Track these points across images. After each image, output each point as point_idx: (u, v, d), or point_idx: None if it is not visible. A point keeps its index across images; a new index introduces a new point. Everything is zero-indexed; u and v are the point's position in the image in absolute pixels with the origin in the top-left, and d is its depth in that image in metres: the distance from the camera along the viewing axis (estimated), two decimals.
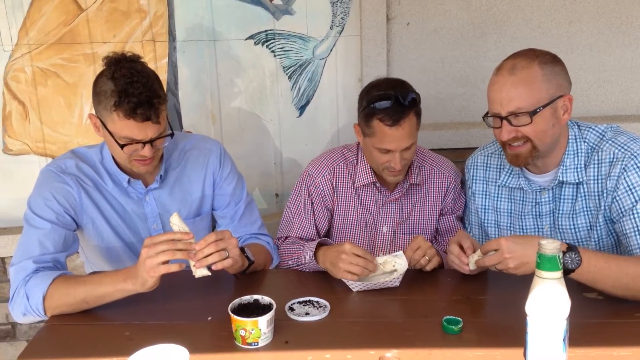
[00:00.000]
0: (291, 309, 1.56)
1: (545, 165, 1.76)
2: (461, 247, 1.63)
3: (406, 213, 2.04)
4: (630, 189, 1.63)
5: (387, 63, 2.63)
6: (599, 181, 1.70)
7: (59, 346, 1.44)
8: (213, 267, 1.53)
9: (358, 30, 2.60)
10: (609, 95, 2.77)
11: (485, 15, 2.65)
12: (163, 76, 2.48)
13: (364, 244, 2.04)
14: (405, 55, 2.69)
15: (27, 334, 2.73)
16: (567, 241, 1.57)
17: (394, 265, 1.72)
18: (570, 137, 1.74)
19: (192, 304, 1.62)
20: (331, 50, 2.64)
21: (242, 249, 1.69)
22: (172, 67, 2.52)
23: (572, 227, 1.78)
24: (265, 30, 2.57)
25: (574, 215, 1.76)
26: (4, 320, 2.71)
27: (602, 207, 1.70)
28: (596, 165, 1.70)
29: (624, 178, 1.64)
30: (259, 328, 1.37)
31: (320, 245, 1.81)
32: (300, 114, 2.71)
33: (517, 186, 1.84)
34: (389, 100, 1.77)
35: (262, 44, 2.59)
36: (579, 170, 1.72)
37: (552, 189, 1.78)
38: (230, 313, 1.40)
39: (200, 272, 1.52)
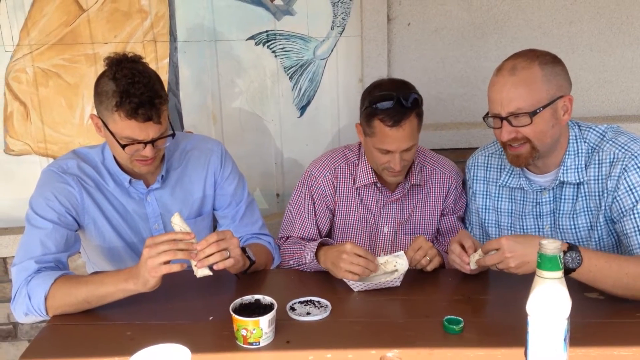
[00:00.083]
0: (292, 308, 1.56)
1: (545, 165, 1.76)
2: (462, 247, 1.64)
3: (407, 213, 2.04)
4: (630, 189, 1.63)
5: (388, 63, 2.63)
6: (600, 181, 1.70)
7: (61, 346, 1.44)
8: (214, 267, 1.53)
9: (359, 31, 2.61)
10: (609, 96, 2.77)
11: (485, 16, 2.66)
12: (164, 76, 2.49)
13: (365, 244, 2.04)
14: (406, 56, 2.70)
15: (29, 334, 2.74)
16: (568, 241, 1.57)
17: (394, 265, 1.73)
18: (570, 137, 1.74)
19: (194, 303, 1.63)
20: (332, 51, 2.64)
21: (243, 249, 1.69)
22: (173, 67, 2.52)
23: (572, 227, 1.78)
24: (266, 31, 2.57)
25: (575, 216, 1.77)
26: (6, 320, 2.72)
27: (603, 207, 1.70)
28: (597, 166, 1.71)
29: (625, 178, 1.64)
30: (260, 328, 1.37)
31: (321, 245, 1.81)
32: (301, 114, 2.72)
33: (518, 186, 1.84)
34: (390, 101, 1.77)
35: (263, 45, 2.59)
36: (579, 170, 1.72)
37: (553, 189, 1.78)
38: (231, 313, 1.40)
39: (201, 272, 1.53)
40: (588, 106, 2.77)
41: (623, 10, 2.65)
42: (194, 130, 2.56)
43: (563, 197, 1.77)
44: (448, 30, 2.67)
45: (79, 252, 1.86)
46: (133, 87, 1.54)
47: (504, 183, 1.87)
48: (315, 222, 2.02)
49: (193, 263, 1.52)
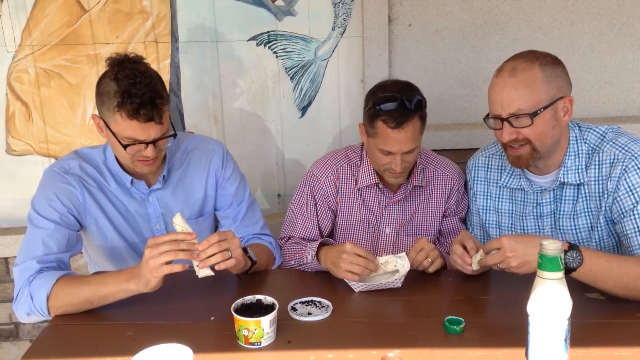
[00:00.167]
0: (294, 309, 1.56)
1: (546, 166, 1.76)
2: (464, 248, 1.64)
3: (409, 214, 2.04)
4: (630, 190, 1.63)
5: (389, 64, 2.63)
6: (600, 182, 1.71)
7: (63, 346, 1.45)
8: (216, 267, 1.53)
9: (360, 31, 2.61)
10: (610, 97, 2.77)
11: (486, 17, 2.66)
12: (166, 77, 2.49)
13: (366, 245, 2.04)
14: (407, 56, 2.70)
15: (30, 334, 2.74)
16: (569, 242, 1.58)
17: (395, 265, 1.73)
18: (571, 138, 1.74)
19: (195, 303, 1.63)
20: (333, 51, 2.65)
21: (244, 249, 1.69)
22: (175, 68, 2.53)
23: (573, 228, 1.78)
24: (268, 32, 2.57)
25: (575, 216, 1.77)
26: (7, 320, 2.72)
27: (603, 208, 1.71)
28: (597, 166, 1.71)
29: (625, 179, 1.64)
30: (261, 328, 1.38)
31: (322, 245, 1.82)
32: (302, 114, 2.72)
33: (518, 187, 1.84)
34: (394, 102, 1.77)
35: (264, 45, 2.59)
36: (579, 171, 1.72)
37: (553, 190, 1.78)
38: (233, 313, 1.40)
39: (203, 272, 1.53)
40: (589, 107, 2.77)
41: (624, 11, 2.65)
42: (195, 130, 2.57)
43: (563, 198, 1.77)
44: (449, 31, 2.68)
45: (81, 252, 1.86)
46: (135, 88, 1.55)
47: (505, 184, 1.87)
48: (317, 222, 2.02)
49: (195, 263, 1.52)
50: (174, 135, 1.70)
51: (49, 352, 1.42)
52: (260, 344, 1.39)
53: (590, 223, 1.76)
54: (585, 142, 1.74)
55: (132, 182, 1.78)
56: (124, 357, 1.34)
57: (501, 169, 1.90)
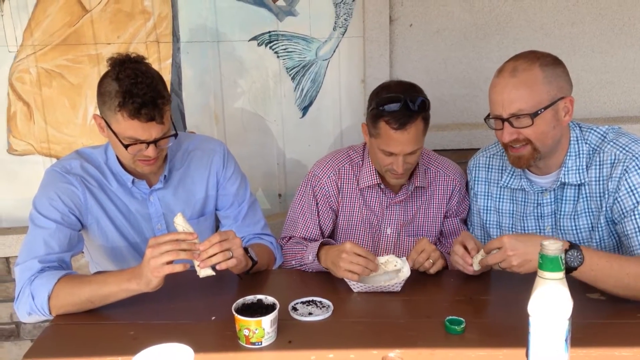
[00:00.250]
0: (294, 308, 1.57)
1: (547, 166, 1.76)
2: (465, 248, 1.64)
3: (411, 215, 2.04)
4: (631, 190, 1.63)
5: (390, 64, 2.64)
6: (601, 182, 1.71)
7: (64, 346, 1.45)
8: (217, 267, 1.54)
9: (361, 32, 2.61)
10: (611, 97, 2.77)
11: (487, 17, 2.66)
12: (167, 77, 2.49)
13: (367, 246, 2.04)
14: (408, 57, 2.70)
15: (31, 334, 2.74)
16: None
17: (395, 265, 1.73)
18: (571, 138, 1.74)
19: (196, 303, 1.63)
20: (334, 52, 2.65)
21: (245, 249, 1.69)
22: (176, 68, 2.53)
23: (573, 228, 1.78)
24: (269, 32, 2.57)
25: (576, 217, 1.77)
26: (8, 319, 2.72)
27: (604, 208, 1.71)
28: (598, 167, 1.71)
29: (626, 179, 1.64)
30: (262, 328, 1.38)
31: (323, 245, 1.82)
32: (303, 114, 2.72)
33: (519, 187, 1.84)
34: (397, 103, 1.77)
35: (266, 45, 2.60)
36: (580, 171, 1.72)
37: (554, 190, 1.78)
38: (234, 313, 1.40)
39: (204, 272, 1.53)
40: (590, 107, 2.77)
41: (625, 11, 2.65)
42: (196, 130, 2.57)
43: (564, 198, 1.77)
44: (450, 31, 2.68)
45: (82, 252, 1.86)
46: (136, 88, 1.55)
47: (505, 184, 1.88)
48: (318, 222, 2.02)
49: (196, 263, 1.53)
50: (175, 135, 1.71)
51: (50, 352, 1.42)
52: (261, 344, 1.39)
53: (591, 223, 1.76)
54: (586, 143, 1.74)
55: (133, 181, 1.79)
56: (125, 357, 1.34)
57: (502, 169, 1.90)
